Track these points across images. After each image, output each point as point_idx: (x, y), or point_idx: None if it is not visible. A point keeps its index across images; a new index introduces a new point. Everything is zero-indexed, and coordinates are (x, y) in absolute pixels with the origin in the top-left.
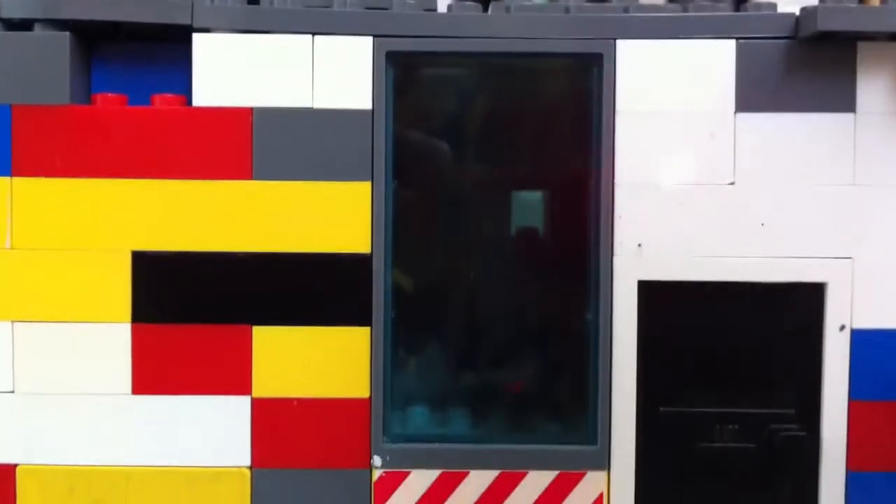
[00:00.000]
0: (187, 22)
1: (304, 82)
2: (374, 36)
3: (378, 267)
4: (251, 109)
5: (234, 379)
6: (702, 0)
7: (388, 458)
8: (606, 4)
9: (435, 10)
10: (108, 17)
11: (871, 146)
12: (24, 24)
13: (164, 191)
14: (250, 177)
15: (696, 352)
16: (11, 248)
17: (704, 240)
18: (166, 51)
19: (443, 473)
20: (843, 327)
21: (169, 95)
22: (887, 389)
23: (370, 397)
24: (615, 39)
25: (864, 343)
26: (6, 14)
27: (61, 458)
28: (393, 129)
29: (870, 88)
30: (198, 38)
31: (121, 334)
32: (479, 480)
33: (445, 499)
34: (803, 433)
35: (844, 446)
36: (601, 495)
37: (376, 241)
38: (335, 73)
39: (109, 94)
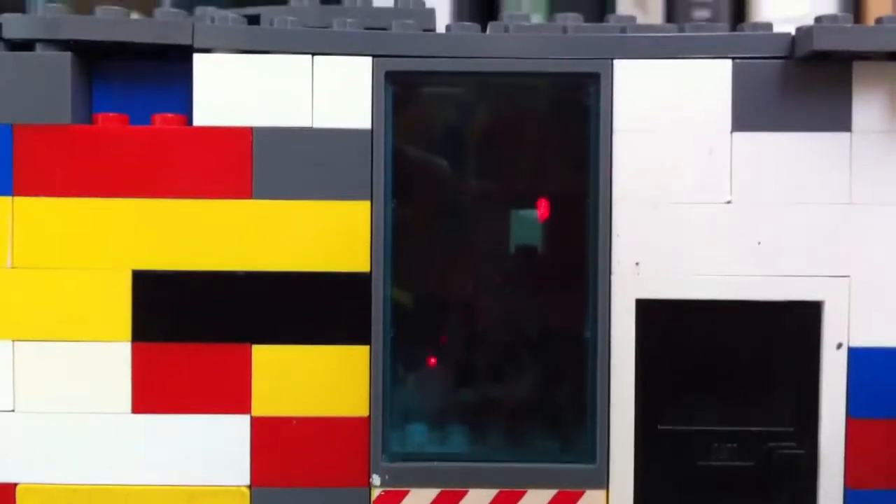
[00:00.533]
0: (188, 42)
1: (304, 102)
2: (374, 56)
3: (377, 285)
4: (251, 129)
5: (233, 397)
6: (698, 20)
7: (386, 476)
8: (604, 24)
9: (434, 30)
10: (110, 38)
11: (867, 165)
12: (26, 45)
13: (164, 210)
14: (250, 196)
15: (693, 370)
16: (12, 267)
17: (702, 258)
18: (167, 71)
19: (442, 492)
20: (840, 345)
21: (169, 115)
22: (885, 407)
23: (369, 416)
24: (612, 59)
25: (862, 361)
26: (8, 34)
27: (61, 476)
28: (392, 148)
29: (866, 107)
30: (198, 59)
31: (121, 353)
32: (478, 498)
33: None
34: (801, 451)
35: (842, 464)
36: None
37: (375, 259)
38: (335, 93)
39: (110, 114)
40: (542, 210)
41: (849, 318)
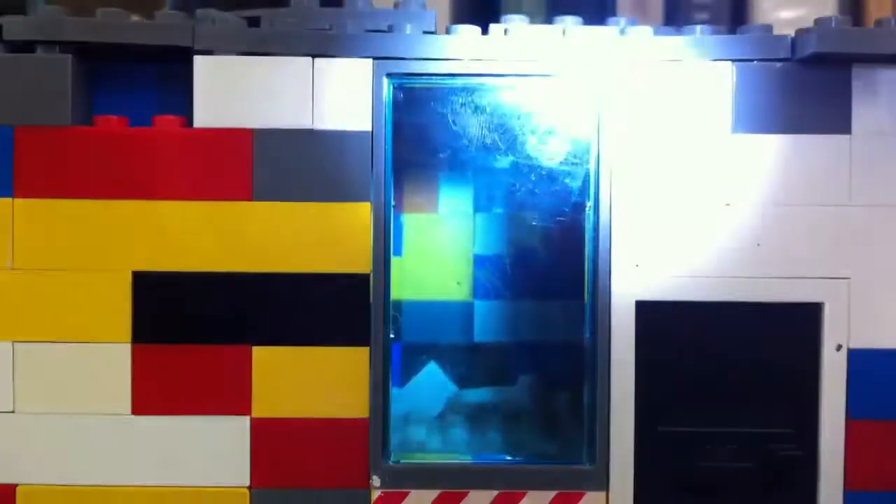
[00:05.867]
0: (188, 44)
1: (304, 104)
2: (374, 58)
3: (377, 287)
4: (251, 131)
5: (233, 399)
6: (698, 22)
7: (386, 477)
8: (603, 27)
9: (434, 32)
10: (110, 40)
11: (866, 167)
12: (27, 47)
13: (164, 212)
14: (250, 198)
15: (693, 371)
16: (13, 269)
17: (701, 260)
18: (167, 72)
19: (442, 493)
20: (840, 347)
21: (170, 117)
22: (884, 409)
23: (369, 417)
24: (612, 62)
25: (861, 362)
26: (8, 36)
27: (61, 477)
28: (392, 150)
29: (865, 110)
30: (199, 60)
31: (121, 354)
32: (478, 500)
33: None
34: (801, 453)
35: (842, 466)
36: None
37: (375, 261)
38: (335, 95)
39: (111, 116)
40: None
41: (849, 320)
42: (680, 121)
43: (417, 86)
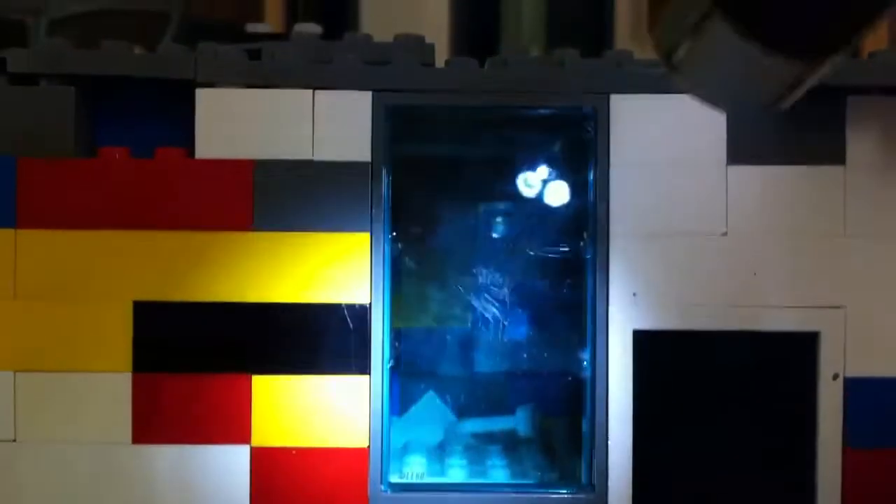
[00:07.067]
0: (190, 76)
1: (305, 135)
2: (374, 90)
3: (376, 316)
4: (252, 161)
5: (233, 428)
6: None
7: None
8: (600, 59)
9: (433, 64)
10: (113, 72)
11: (861, 197)
12: (30, 79)
13: (166, 242)
14: (251, 227)
15: (691, 400)
16: (15, 299)
17: (698, 289)
18: (170, 104)
19: None
20: (836, 376)
21: (172, 148)
22: (881, 437)
23: (368, 446)
24: (609, 94)
25: (858, 391)
26: (12, 68)
27: None
28: (391, 180)
29: (859, 141)
30: (201, 93)
31: (122, 384)
32: None
33: None
34: (799, 481)
35: (840, 494)
36: None
37: (375, 290)
38: (335, 127)
39: (113, 148)
40: None
41: (845, 349)
42: (676, 151)
43: (416, 117)
